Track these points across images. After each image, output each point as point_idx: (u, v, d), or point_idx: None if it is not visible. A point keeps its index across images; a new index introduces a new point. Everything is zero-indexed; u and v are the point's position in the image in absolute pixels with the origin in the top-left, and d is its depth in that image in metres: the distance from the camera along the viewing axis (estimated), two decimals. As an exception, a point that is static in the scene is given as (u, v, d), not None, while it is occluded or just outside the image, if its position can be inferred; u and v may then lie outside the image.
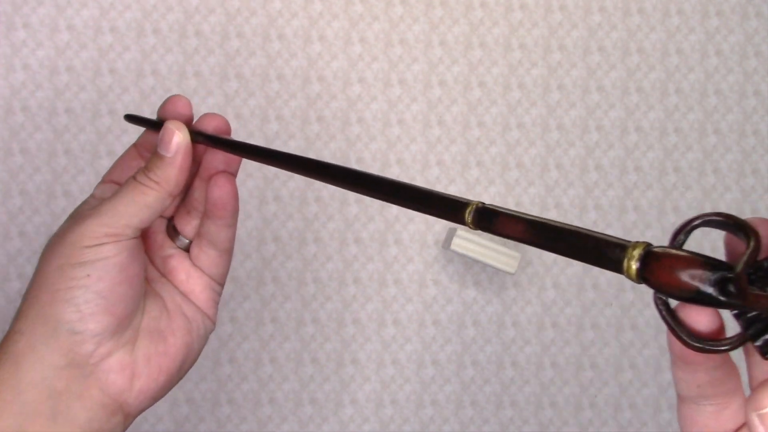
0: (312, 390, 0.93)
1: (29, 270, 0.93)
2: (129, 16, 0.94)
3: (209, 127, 0.36)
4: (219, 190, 0.35)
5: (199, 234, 0.37)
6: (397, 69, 0.96)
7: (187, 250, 0.38)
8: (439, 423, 0.94)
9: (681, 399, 0.27)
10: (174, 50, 0.94)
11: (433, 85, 0.96)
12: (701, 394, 0.26)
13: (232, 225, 0.36)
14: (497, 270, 0.90)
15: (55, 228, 0.98)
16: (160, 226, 0.38)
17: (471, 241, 0.88)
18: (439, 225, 0.95)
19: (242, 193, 0.94)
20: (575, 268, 0.97)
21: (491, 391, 0.95)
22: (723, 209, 0.98)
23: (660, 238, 0.98)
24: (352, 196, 0.95)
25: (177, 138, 0.34)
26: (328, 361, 0.94)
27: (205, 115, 0.36)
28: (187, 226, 0.37)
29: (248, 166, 0.94)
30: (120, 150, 0.97)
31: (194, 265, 0.37)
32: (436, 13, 0.97)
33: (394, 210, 0.95)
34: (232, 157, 0.36)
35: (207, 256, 0.37)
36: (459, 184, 0.96)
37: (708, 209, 0.98)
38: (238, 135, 0.94)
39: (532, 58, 0.97)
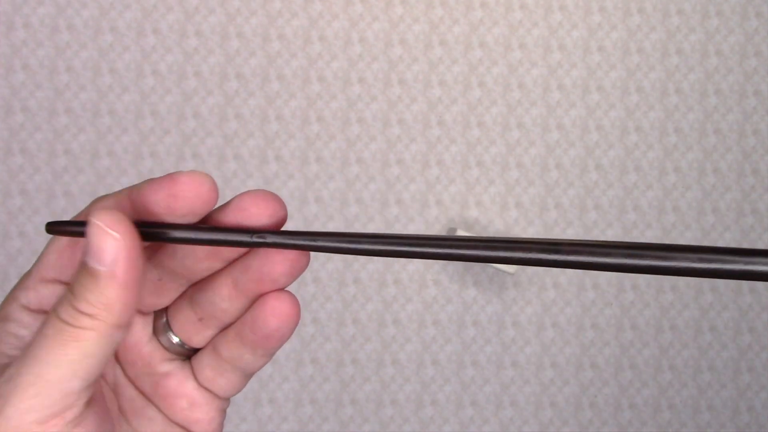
0: (312, 390, 0.93)
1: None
2: (129, 16, 0.94)
3: (264, 217, 0.23)
4: (277, 319, 0.24)
5: (217, 353, 0.25)
6: (397, 69, 0.96)
7: (185, 355, 0.26)
8: (439, 423, 0.94)
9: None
10: (174, 50, 0.94)
11: (433, 85, 0.96)
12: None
13: (275, 351, 0.26)
14: (497, 270, 0.90)
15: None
16: (143, 328, 0.26)
17: (471, 241, 0.88)
18: (439, 225, 0.95)
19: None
20: (575, 268, 0.97)
21: (491, 391, 0.95)
22: (723, 209, 0.98)
23: (660, 238, 0.98)
24: (351, 196, 0.95)
25: (112, 241, 0.21)
26: (328, 361, 0.94)
27: (248, 196, 0.23)
28: (196, 336, 0.25)
29: (248, 166, 0.94)
30: (120, 150, 0.97)
31: (201, 386, 0.26)
32: (436, 13, 0.97)
33: (393, 210, 0.95)
34: (299, 260, 0.23)
35: (228, 381, 0.26)
36: (459, 184, 0.96)
37: (708, 209, 0.98)
38: (238, 135, 0.95)
39: (532, 58, 0.97)
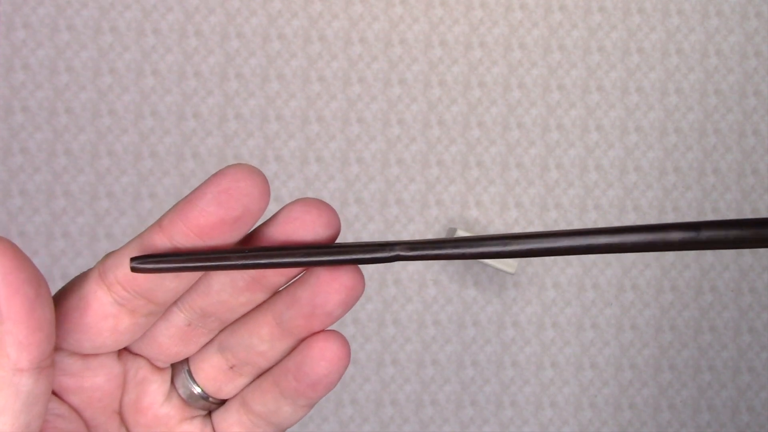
0: (312, 390, 0.93)
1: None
2: (129, 16, 0.94)
3: (319, 226, 0.19)
4: (327, 363, 0.20)
5: (247, 407, 0.22)
6: (397, 69, 0.96)
7: (207, 409, 0.23)
8: (439, 423, 0.94)
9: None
10: (174, 50, 0.94)
11: (433, 85, 0.96)
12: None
13: (318, 402, 0.22)
14: (497, 270, 0.90)
15: (55, 228, 0.99)
16: (160, 386, 0.22)
17: (471, 241, 0.88)
18: (439, 225, 0.95)
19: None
20: (575, 268, 0.97)
21: (491, 391, 0.95)
22: (723, 209, 0.98)
23: (660, 238, 0.98)
24: (351, 196, 0.95)
25: None
26: (328, 361, 0.94)
27: (298, 205, 0.19)
28: (226, 386, 0.22)
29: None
30: (120, 150, 0.97)
31: None
32: (436, 13, 0.97)
33: (393, 210, 0.95)
34: (356, 288, 0.20)
35: None
36: (459, 184, 0.96)
37: (708, 209, 0.98)
38: (237, 135, 0.94)
39: (532, 58, 0.97)
